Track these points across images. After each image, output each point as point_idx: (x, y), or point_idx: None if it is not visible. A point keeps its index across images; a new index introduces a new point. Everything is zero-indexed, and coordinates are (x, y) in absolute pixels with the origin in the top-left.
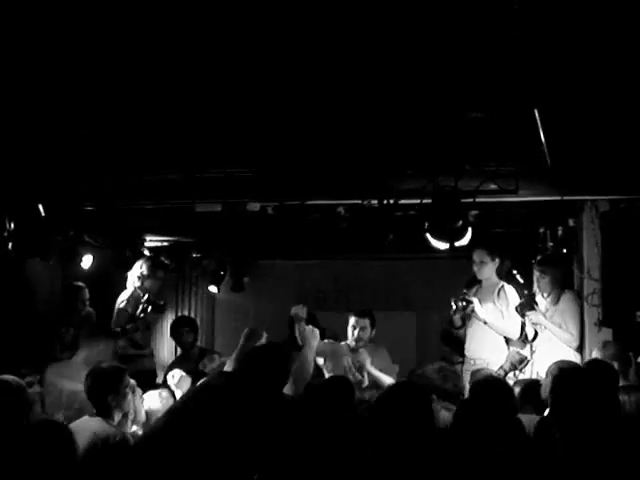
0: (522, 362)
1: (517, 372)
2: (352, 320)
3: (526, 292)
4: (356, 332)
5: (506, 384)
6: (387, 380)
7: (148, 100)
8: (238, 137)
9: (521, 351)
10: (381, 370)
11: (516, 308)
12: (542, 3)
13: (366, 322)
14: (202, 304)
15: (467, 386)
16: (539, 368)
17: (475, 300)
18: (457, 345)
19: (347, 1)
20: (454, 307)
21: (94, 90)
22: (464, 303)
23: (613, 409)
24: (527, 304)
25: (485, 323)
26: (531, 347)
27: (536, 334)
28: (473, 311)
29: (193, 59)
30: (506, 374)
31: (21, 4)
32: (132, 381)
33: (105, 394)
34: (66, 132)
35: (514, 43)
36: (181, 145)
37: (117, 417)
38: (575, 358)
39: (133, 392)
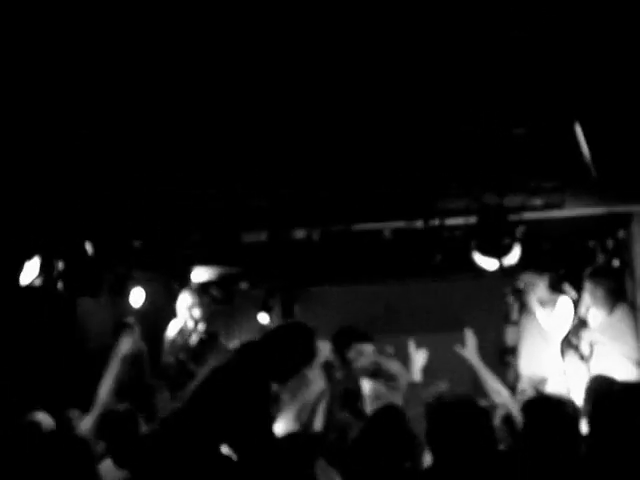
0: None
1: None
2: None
3: (578, 311)
4: None
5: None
6: None
7: (192, 133)
8: (282, 164)
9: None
10: None
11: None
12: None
13: None
14: (253, 334)
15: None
16: None
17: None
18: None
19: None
20: (510, 298)
21: (136, 126)
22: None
23: None
24: (580, 323)
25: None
26: (588, 364)
27: (592, 351)
28: (528, 299)
29: (235, 90)
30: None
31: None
32: None
33: None
34: (110, 169)
35: (553, 54)
36: (224, 174)
37: None
38: (634, 371)
39: None
